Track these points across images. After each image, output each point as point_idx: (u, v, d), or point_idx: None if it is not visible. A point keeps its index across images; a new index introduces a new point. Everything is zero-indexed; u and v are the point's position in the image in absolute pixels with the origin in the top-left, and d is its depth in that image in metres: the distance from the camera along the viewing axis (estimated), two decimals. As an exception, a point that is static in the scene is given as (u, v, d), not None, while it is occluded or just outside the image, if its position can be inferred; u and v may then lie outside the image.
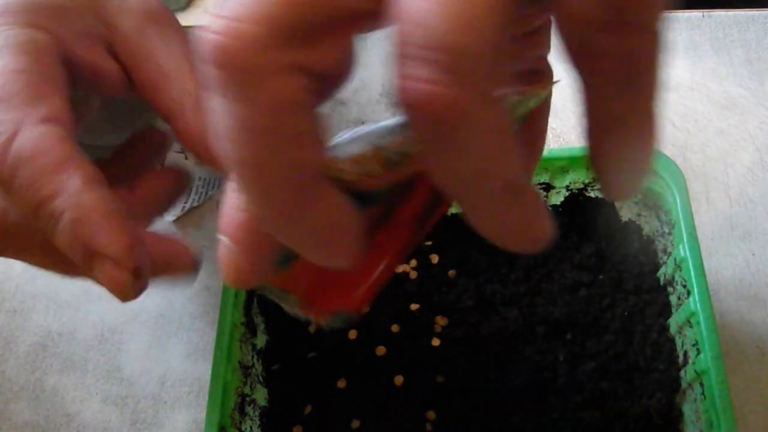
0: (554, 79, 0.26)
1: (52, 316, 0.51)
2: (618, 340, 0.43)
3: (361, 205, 0.21)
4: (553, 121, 0.55)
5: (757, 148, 0.52)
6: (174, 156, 0.56)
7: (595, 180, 0.27)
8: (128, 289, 0.29)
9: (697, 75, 0.56)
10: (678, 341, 0.42)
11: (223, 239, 0.21)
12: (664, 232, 0.44)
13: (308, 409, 0.43)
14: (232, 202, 0.21)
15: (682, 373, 0.41)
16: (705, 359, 0.37)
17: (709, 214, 0.50)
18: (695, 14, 0.59)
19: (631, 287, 0.44)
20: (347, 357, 0.44)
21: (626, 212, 0.46)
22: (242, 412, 0.40)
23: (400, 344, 0.44)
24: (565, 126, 0.55)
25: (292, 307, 0.25)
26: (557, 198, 0.47)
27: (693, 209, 0.41)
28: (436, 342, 0.44)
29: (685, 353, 0.41)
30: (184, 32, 0.33)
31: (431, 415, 0.42)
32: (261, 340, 0.44)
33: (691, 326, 0.40)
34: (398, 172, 0.22)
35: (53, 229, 0.28)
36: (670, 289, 0.43)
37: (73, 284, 0.52)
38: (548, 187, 0.46)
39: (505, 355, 0.43)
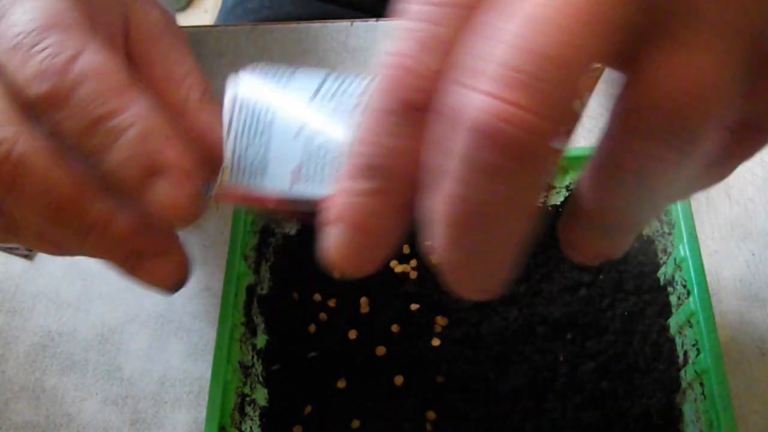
0: None
1: (52, 316, 0.51)
2: (618, 340, 0.43)
3: None
4: (553, 121, 0.55)
5: (757, 148, 0.52)
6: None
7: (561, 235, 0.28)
8: (190, 207, 0.28)
9: (697, 75, 0.56)
10: (678, 341, 0.42)
11: (337, 228, 0.23)
12: (664, 232, 0.44)
13: (308, 409, 0.43)
14: (349, 189, 0.22)
15: (682, 373, 0.41)
16: (705, 359, 0.37)
17: (709, 214, 0.50)
18: (695, 14, 0.59)
19: (631, 287, 0.44)
20: (347, 357, 0.44)
21: (626, 212, 0.46)
22: (242, 412, 0.40)
23: (400, 344, 0.44)
24: (565, 126, 0.55)
25: None
26: (557, 198, 0.47)
27: (693, 209, 0.41)
28: (436, 342, 0.44)
29: (685, 353, 0.41)
30: (189, 48, 0.34)
31: (431, 415, 0.42)
32: (261, 340, 0.44)
33: (691, 326, 0.40)
34: None
35: (111, 145, 0.27)
36: (670, 289, 0.43)
37: (73, 284, 0.52)
38: (548, 187, 0.46)
39: (505, 355, 0.43)
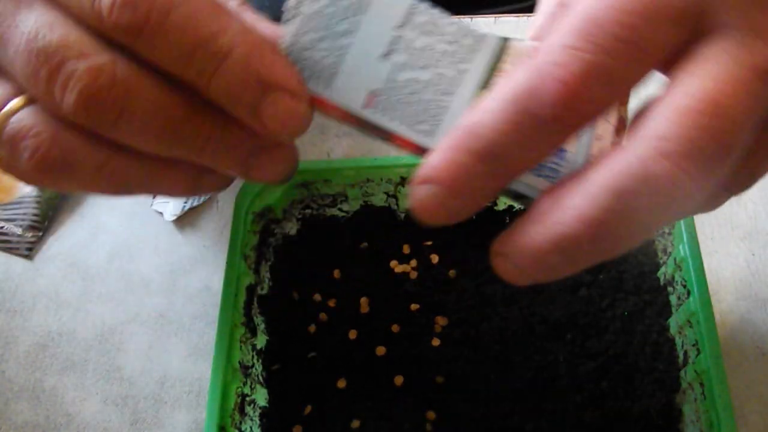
0: None
1: (52, 316, 0.51)
2: (618, 340, 0.43)
3: None
4: (553, 121, 0.55)
5: (757, 148, 0.52)
6: (174, 156, 0.56)
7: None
8: (304, 120, 0.30)
9: (697, 75, 0.56)
10: (678, 341, 0.42)
11: (435, 189, 0.26)
12: (664, 232, 0.44)
13: (308, 409, 0.43)
14: (460, 162, 0.25)
15: (682, 373, 0.41)
16: (705, 359, 0.37)
17: (709, 214, 0.50)
18: (695, 14, 0.59)
19: (631, 287, 0.44)
20: (347, 357, 0.44)
21: (626, 212, 0.46)
22: (242, 412, 0.40)
23: (400, 344, 0.44)
24: (565, 126, 0.55)
25: None
26: (557, 198, 0.47)
27: (693, 209, 0.41)
28: (436, 342, 0.44)
29: (685, 353, 0.41)
30: None
31: (431, 415, 0.42)
32: (261, 341, 0.44)
33: (691, 326, 0.40)
34: None
35: (217, 69, 0.27)
36: (670, 289, 0.43)
37: (73, 284, 0.52)
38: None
39: (505, 355, 0.43)
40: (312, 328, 0.46)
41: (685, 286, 0.41)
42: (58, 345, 0.50)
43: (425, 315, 0.45)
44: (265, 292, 0.45)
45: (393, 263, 0.47)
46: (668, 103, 0.24)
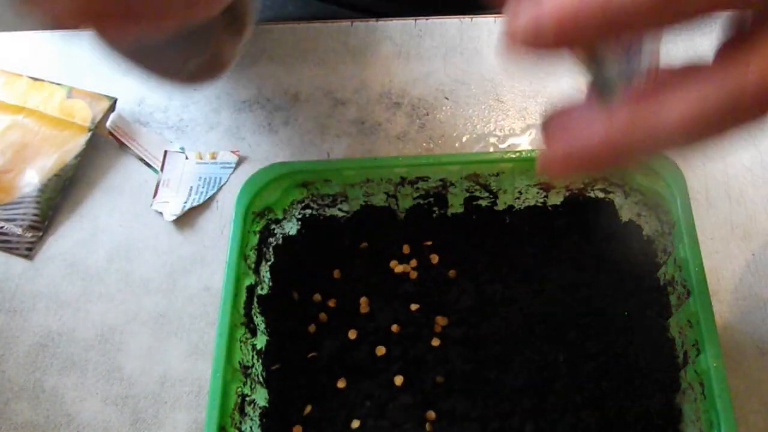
0: None
1: (52, 316, 0.51)
2: (618, 340, 0.43)
3: None
4: (553, 121, 0.55)
5: (757, 148, 0.52)
6: (174, 156, 0.57)
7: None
8: None
9: (697, 75, 0.56)
10: (678, 341, 0.42)
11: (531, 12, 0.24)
12: (664, 232, 0.44)
13: (308, 409, 0.43)
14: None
15: (682, 373, 0.41)
16: (705, 359, 0.37)
17: (709, 214, 0.50)
18: (695, 14, 0.59)
19: (631, 287, 0.44)
20: (347, 357, 0.44)
21: (626, 212, 0.46)
22: (242, 412, 0.40)
23: (400, 344, 0.44)
24: (565, 126, 0.55)
25: None
26: (557, 198, 0.47)
27: (693, 209, 0.41)
28: (436, 342, 0.44)
29: (685, 353, 0.41)
30: None
31: (431, 415, 0.42)
32: (261, 341, 0.44)
33: (691, 326, 0.40)
34: None
35: None
36: (670, 289, 0.43)
37: (73, 284, 0.52)
38: (548, 187, 0.46)
39: (505, 355, 0.43)
40: (312, 328, 0.46)
41: (685, 286, 0.41)
42: (58, 345, 0.50)
43: (425, 315, 0.45)
44: (265, 292, 0.45)
45: (393, 263, 0.47)
46: None
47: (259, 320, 0.44)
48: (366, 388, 0.43)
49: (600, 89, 0.27)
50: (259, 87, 0.59)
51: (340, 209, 0.48)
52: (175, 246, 0.53)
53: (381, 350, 0.44)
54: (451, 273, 0.46)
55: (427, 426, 0.42)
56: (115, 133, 0.58)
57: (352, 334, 0.45)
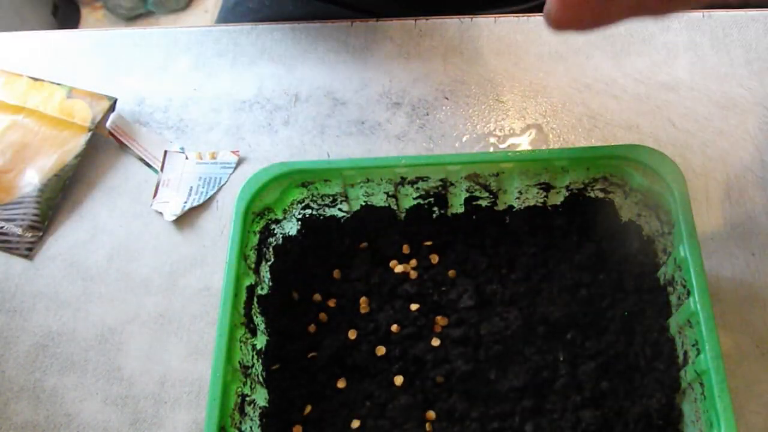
0: None
1: (52, 316, 0.51)
2: (618, 340, 0.43)
3: None
4: (553, 121, 0.55)
5: (757, 148, 0.52)
6: (174, 156, 0.57)
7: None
8: None
9: (697, 75, 0.56)
10: (678, 341, 0.42)
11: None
12: (664, 232, 0.44)
13: (308, 409, 0.43)
14: None
15: (682, 373, 0.41)
16: (705, 359, 0.37)
17: (709, 214, 0.50)
18: (695, 14, 0.59)
19: (631, 287, 0.44)
20: (347, 357, 0.44)
21: (626, 212, 0.46)
22: (242, 413, 0.40)
23: (400, 344, 0.44)
24: (565, 126, 0.55)
25: None
26: (557, 198, 0.47)
27: (693, 209, 0.41)
28: (436, 342, 0.44)
29: (685, 353, 0.41)
30: None
31: (431, 415, 0.42)
32: (261, 341, 0.44)
33: (691, 326, 0.40)
34: None
35: None
36: (670, 289, 0.43)
37: (73, 284, 0.52)
38: (548, 187, 0.46)
39: (505, 355, 0.43)
40: (312, 328, 0.46)
41: (685, 286, 0.41)
42: (58, 345, 0.50)
43: (425, 315, 0.45)
44: (265, 292, 0.45)
45: (393, 263, 0.47)
46: None
47: (259, 320, 0.44)
48: (366, 388, 0.43)
49: None
50: (259, 87, 0.59)
51: (340, 209, 0.48)
52: (175, 246, 0.53)
53: (381, 350, 0.44)
54: (451, 273, 0.46)
55: (427, 426, 0.42)
56: (115, 133, 0.58)
57: (352, 334, 0.45)
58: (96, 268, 0.52)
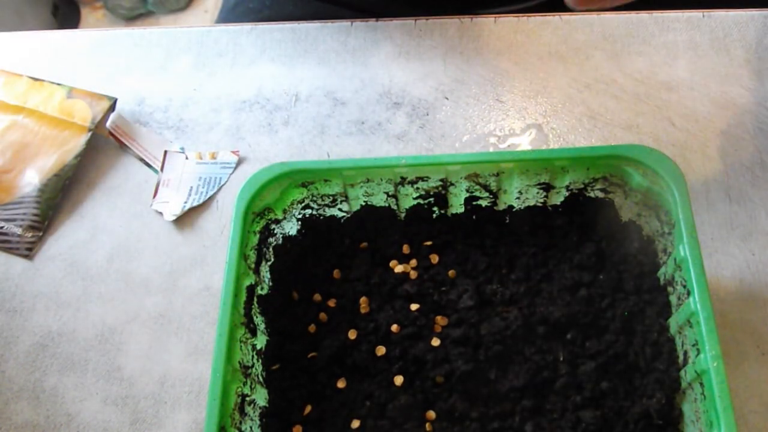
0: None
1: (52, 316, 0.51)
2: (618, 340, 0.43)
3: None
4: (553, 121, 0.55)
5: (757, 148, 0.52)
6: (174, 156, 0.57)
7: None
8: None
9: (697, 75, 0.56)
10: (678, 341, 0.42)
11: None
12: (664, 232, 0.44)
13: (308, 409, 0.43)
14: None
15: (682, 373, 0.41)
16: (705, 359, 0.37)
17: (709, 214, 0.50)
18: (695, 14, 0.59)
19: (631, 287, 0.44)
20: (347, 357, 0.44)
21: (626, 212, 0.46)
22: (242, 412, 0.40)
23: (400, 344, 0.44)
24: (565, 126, 0.55)
25: None
26: (557, 198, 0.47)
27: (693, 209, 0.41)
28: (436, 342, 0.44)
29: (685, 353, 0.41)
30: None
31: (431, 415, 0.42)
32: (261, 341, 0.44)
33: (691, 326, 0.40)
34: None
35: None
36: (670, 289, 0.43)
37: (73, 284, 0.52)
38: (548, 187, 0.46)
39: (505, 355, 0.43)
40: (312, 328, 0.46)
41: (685, 286, 0.41)
42: (58, 345, 0.50)
43: (425, 315, 0.45)
44: (265, 292, 0.45)
45: (393, 263, 0.47)
46: None
47: (259, 320, 0.44)
48: (366, 388, 0.43)
49: None
50: (259, 87, 0.59)
51: (340, 209, 0.48)
52: (175, 246, 0.53)
53: (381, 350, 0.44)
54: (451, 273, 0.46)
55: (427, 426, 0.42)
56: (115, 133, 0.58)
57: (352, 334, 0.45)
58: (96, 268, 0.53)
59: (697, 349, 0.39)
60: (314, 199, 0.47)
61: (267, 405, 0.43)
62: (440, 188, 0.46)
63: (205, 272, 0.52)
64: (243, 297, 0.43)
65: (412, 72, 0.59)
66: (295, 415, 0.43)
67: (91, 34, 0.65)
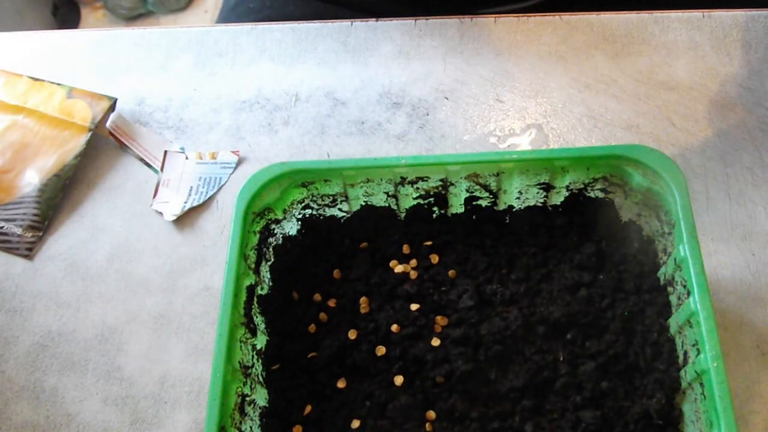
0: None
1: (52, 316, 0.51)
2: (618, 340, 0.43)
3: None
4: (553, 121, 0.55)
5: (757, 148, 0.52)
6: (174, 156, 0.57)
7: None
8: None
9: (697, 75, 0.56)
10: (678, 341, 0.42)
11: None
12: (664, 232, 0.44)
13: (308, 409, 0.43)
14: None
15: (682, 373, 0.41)
16: (705, 359, 0.37)
17: (709, 214, 0.50)
18: (695, 14, 0.59)
19: (631, 287, 0.44)
20: (347, 357, 0.44)
21: (626, 212, 0.46)
22: (242, 412, 0.40)
23: (400, 344, 0.44)
24: (565, 126, 0.55)
25: None
26: (557, 198, 0.47)
27: (693, 209, 0.41)
28: (436, 342, 0.44)
29: (685, 353, 0.41)
30: None
31: (431, 415, 0.42)
32: (261, 341, 0.44)
33: (691, 326, 0.40)
34: None
35: None
36: (670, 289, 0.43)
37: (73, 284, 0.52)
38: (548, 187, 0.46)
39: (505, 355, 0.43)
40: (312, 328, 0.46)
41: (685, 286, 0.41)
42: (58, 345, 0.50)
43: (425, 315, 0.45)
44: (265, 292, 0.45)
45: (393, 263, 0.47)
46: None
47: (259, 320, 0.44)
48: (366, 388, 0.43)
49: None
50: (259, 87, 0.59)
51: (340, 209, 0.48)
52: (175, 246, 0.53)
53: (381, 350, 0.44)
54: (451, 273, 0.46)
55: (427, 426, 0.42)
56: (115, 133, 0.58)
57: (352, 334, 0.45)
58: (96, 268, 0.53)
59: (697, 349, 0.39)
60: (314, 199, 0.47)
61: (267, 405, 0.43)
62: (440, 188, 0.46)
63: (205, 272, 0.52)
64: (243, 297, 0.43)
65: (412, 72, 0.59)
66: (295, 415, 0.43)
67: (91, 34, 0.65)
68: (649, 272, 0.45)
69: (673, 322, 0.42)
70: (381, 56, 0.60)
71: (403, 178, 0.46)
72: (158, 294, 0.51)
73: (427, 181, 0.46)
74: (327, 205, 0.48)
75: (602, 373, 0.42)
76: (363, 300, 0.46)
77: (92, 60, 0.62)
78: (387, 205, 0.48)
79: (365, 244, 0.48)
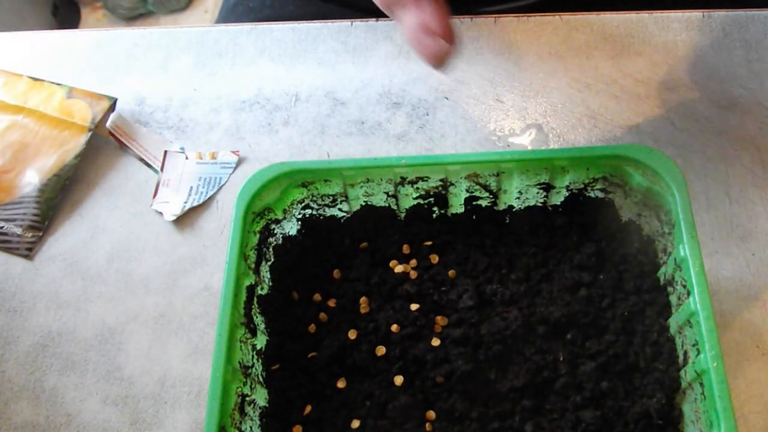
0: None
1: (52, 316, 0.51)
2: (618, 340, 0.43)
3: None
4: (553, 121, 0.55)
5: (757, 148, 0.52)
6: (174, 156, 0.56)
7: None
8: None
9: (697, 75, 0.56)
10: (678, 341, 0.42)
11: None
12: (664, 232, 0.44)
13: (308, 409, 0.43)
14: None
15: (682, 373, 0.41)
16: (705, 359, 0.37)
17: (709, 214, 0.50)
18: (695, 14, 0.59)
19: (631, 287, 0.44)
20: (347, 357, 0.44)
21: (626, 212, 0.46)
22: (242, 412, 0.40)
23: (400, 344, 0.44)
24: (565, 126, 0.55)
25: None
26: (557, 198, 0.47)
27: (693, 209, 0.41)
28: (436, 342, 0.44)
29: (685, 353, 0.41)
30: None
31: (431, 415, 0.42)
32: (261, 341, 0.44)
33: (691, 326, 0.40)
34: None
35: None
36: (670, 289, 0.43)
37: (73, 284, 0.52)
38: (548, 187, 0.46)
39: (505, 355, 0.43)
40: (312, 328, 0.46)
41: (685, 286, 0.41)
42: (58, 345, 0.50)
43: (425, 315, 0.45)
44: (265, 292, 0.45)
45: (393, 263, 0.47)
46: None
47: (259, 320, 0.44)
48: (366, 388, 0.43)
49: None
50: (259, 87, 0.59)
51: (340, 209, 0.48)
52: (175, 246, 0.53)
53: (381, 350, 0.44)
54: (451, 273, 0.46)
55: (427, 426, 0.42)
56: (115, 133, 0.58)
57: (352, 334, 0.45)
58: (96, 268, 0.52)
59: (697, 349, 0.39)
60: (314, 199, 0.47)
61: (267, 405, 0.43)
62: (440, 188, 0.46)
63: (205, 272, 0.52)
64: (243, 297, 0.43)
65: (412, 72, 0.59)
66: (295, 415, 0.43)
67: (91, 34, 0.64)
68: (649, 272, 0.45)
69: (673, 322, 0.42)
70: (381, 56, 0.60)
71: (403, 178, 0.46)
72: (158, 294, 0.51)
73: (427, 181, 0.46)
74: (327, 205, 0.48)
75: (602, 373, 0.42)
76: (363, 300, 0.46)
77: (92, 60, 0.62)
78: (387, 205, 0.48)
79: (365, 244, 0.48)
